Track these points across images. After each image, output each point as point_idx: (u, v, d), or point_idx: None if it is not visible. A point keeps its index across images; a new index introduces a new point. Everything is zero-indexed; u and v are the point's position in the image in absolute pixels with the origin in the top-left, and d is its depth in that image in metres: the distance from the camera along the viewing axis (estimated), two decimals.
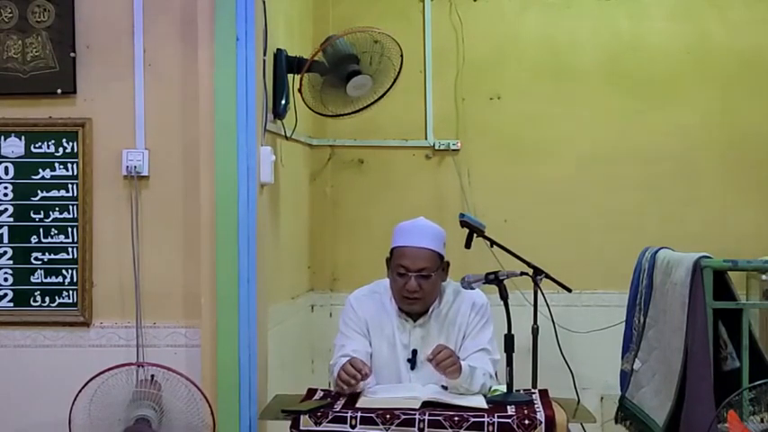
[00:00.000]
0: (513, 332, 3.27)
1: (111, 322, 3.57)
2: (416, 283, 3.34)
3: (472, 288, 3.39)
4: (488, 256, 4.43)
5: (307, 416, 3.05)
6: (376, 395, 3.20)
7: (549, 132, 5.12)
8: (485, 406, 3.11)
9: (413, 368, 3.40)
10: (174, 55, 3.54)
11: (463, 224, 4.22)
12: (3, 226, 3.58)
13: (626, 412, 3.95)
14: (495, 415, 3.01)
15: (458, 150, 5.11)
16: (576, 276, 4.58)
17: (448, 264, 3.45)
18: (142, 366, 3.40)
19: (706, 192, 5.09)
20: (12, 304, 3.58)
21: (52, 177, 3.57)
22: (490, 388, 3.31)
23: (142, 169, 3.54)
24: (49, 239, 3.57)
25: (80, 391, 3.30)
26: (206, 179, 3.44)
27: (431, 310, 3.43)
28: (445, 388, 3.27)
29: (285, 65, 3.79)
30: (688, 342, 3.43)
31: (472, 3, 5.15)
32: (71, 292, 3.56)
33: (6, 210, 3.58)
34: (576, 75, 5.12)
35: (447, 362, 3.14)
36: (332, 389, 3.38)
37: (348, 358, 3.29)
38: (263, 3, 3.54)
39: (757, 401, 3.14)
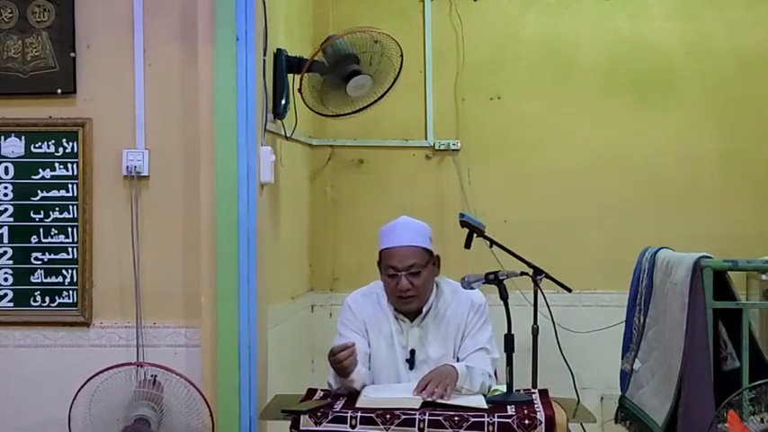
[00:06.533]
0: (513, 332, 3.27)
1: (111, 322, 3.57)
2: (407, 282, 3.34)
3: (472, 288, 3.39)
4: (488, 256, 4.43)
5: (307, 416, 3.05)
6: (376, 395, 3.20)
7: (549, 132, 5.12)
8: (485, 406, 3.11)
9: (411, 368, 3.40)
10: (174, 55, 3.54)
11: (463, 224, 4.21)
12: (3, 226, 3.58)
13: (626, 412, 3.94)
14: (495, 415, 3.01)
15: (458, 150, 5.12)
16: (576, 276, 4.58)
17: (438, 258, 3.45)
18: (141, 366, 3.40)
19: (706, 191, 5.10)
20: (12, 304, 3.58)
21: (52, 177, 3.57)
22: (490, 387, 3.31)
23: (142, 169, 3.54)
24: (49, 239, 3.57)
25: (80, 389, 3.31)
26: (206, 179, 3.44)
27: (427, 309, 3.43)
28: None
29: (285, 65, 3.79)
30: (688, 342, 3.43)
31: (472, 3, 5.15)
32: (71, 292, 3.56)
33: (6, 210, 3.59)
34: (576, 74, 5.13)
35: (439, 390, 3.12)
36: (330, 390, 3.37)
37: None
38: (263, 3, 3.54)
39: (757, 401, 3.13)
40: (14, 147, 3.58)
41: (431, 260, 3.41)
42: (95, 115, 3.57)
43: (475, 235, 4.22)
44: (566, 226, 5.08)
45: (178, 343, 3.54)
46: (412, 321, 3.43)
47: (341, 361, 3.19)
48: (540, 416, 3.01)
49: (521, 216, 5.06)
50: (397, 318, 3.44)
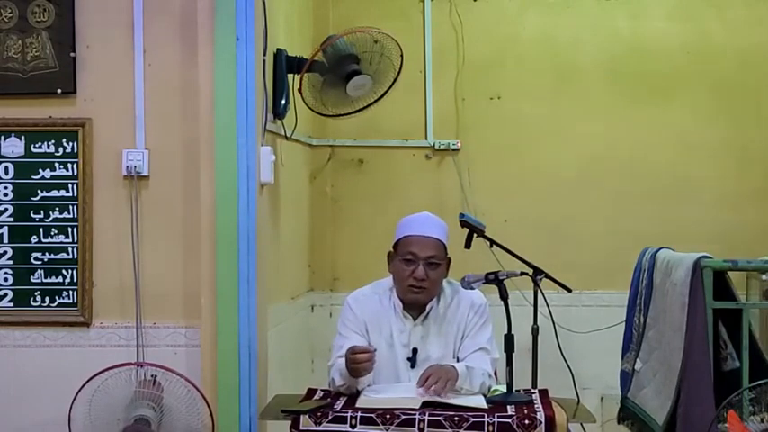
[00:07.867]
0: (513, 332, 3.27)
1: (111, 322, 3.57)
2: (424, 271, 3.34)
3: (472, 288, 3.39)
4: (488, 256, 4.43)
5: (307, 416, 3.05)
6: (376, 395, 3.20)
7: (549, 132, 5.12)
8: (485, 406, 3.11)
9: (413, 367, 3.40)
10: (174, 55, 3.54)
11: (463, 224, 4.21)
12: (3, 226, 3.58)
13: (627, 412, 3.94)
14: (495, 415, 3.01)
15: (458, 150, 5.12)
16: (576, 276, 4.58)
17: (450, 260, 3.46)
18: (142, 366, 3.40)
19: (706, 191, 5.10)
20: (12, 304, 3.58)
21: (52, 177, 3.57)
22: (490, 387, 3.31)
23: (142, 169, 3.54)
24: (49, 239, 3.57)
25: (80, 389, 3.31)
26: (206, 179, 3.44)
27: (429, 308, 3.43)
28: None
29: (285, 65, 3.79)
30: (688, 342, 3.43)
31: (472, 3, 5.15)
32: (71, 292, 3.56)
33: (6, 210, 3.59)
34: (575, 75, 5.13)
35: (438, 385, 3.13)
36: (331, 389, 3.37)
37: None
38: (263, 3, 3.54)
39: (757, 401, 3.13)
40: (14, 147, 3.59)
41: (446, 258, 3.42)
42: (95, 115, 3.57)
43: (475, 235, 4.21)
44: (566, 226, 5.09)
45: (178, 343, 3.54)
46: (415, 320, 3.43)
47: (359, 362, 3.18)
48: (540, 416, 3.01)
49: (521, 216, 5.06)
50: (400, 316, 3.43)
